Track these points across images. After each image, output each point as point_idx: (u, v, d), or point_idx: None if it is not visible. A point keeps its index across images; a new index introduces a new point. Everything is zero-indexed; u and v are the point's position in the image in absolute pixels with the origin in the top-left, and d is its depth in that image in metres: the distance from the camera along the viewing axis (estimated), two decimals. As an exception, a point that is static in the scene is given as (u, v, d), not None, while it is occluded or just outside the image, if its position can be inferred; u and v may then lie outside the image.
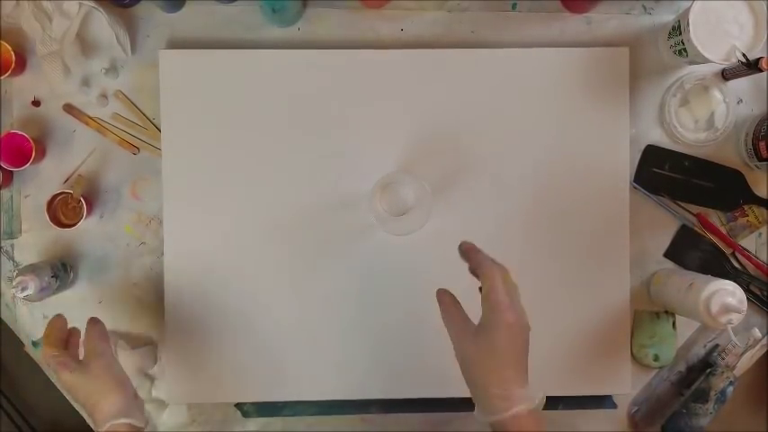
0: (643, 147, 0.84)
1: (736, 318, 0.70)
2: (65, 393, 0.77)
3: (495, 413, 0.58)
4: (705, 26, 0.74)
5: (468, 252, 0.65)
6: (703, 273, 0.81)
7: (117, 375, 0.70)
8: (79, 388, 0.69)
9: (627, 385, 0.84)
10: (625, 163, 0.83)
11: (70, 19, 0.79)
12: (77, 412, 0.85)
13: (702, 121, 0.83)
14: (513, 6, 0.84)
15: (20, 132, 0.79)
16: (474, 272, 0.64)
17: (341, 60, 0.82)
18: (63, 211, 0.81)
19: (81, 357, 0.71)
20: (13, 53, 0.78)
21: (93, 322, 0.74)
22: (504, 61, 0.82)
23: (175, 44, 0.83)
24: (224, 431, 0.84)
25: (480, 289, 0.62)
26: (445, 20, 0.84)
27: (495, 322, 0.59)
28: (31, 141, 0.78)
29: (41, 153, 0.81)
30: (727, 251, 0.84)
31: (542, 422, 0.59)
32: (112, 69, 0.82)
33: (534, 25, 0.84)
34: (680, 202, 0.84)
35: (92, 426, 0.69)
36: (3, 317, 0.84)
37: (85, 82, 0.83)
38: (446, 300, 0.65)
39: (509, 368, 0.59)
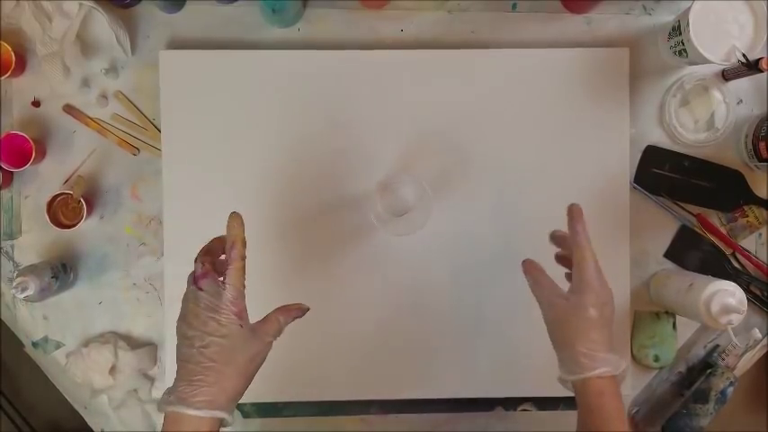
0: (643, 147, 0.84)
1: (736, 318, 0.70)
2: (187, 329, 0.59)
3: (579, 372, 0.61)
4: (705, 26, 0.74)
5: (573, 217, 0.67)
6: (703, 273, 0.81)
7: (257, 368, 0.61)
8: (229, 349, 0.57)
9: (627, 385, 0.83)
10: (625, 163, 0.83)
11: (70, 19, 0.79)
12: (77, 412, 0.85)
13: (702, 121, 0.83)
14: (513, 6, 0.84)
15: (20, 133, 0.79)
16: (555, 240, 0.69)
17: (341, 60, 0.82)
18: (63, 211, 0.81)
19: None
20: (13, 53, 0.78)
21: (302, 309, 0.64)
22: (504, 61, 0.82)
23: (175, 44, 0.83)
24: (224, 431, 0.84)
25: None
26: (445, 20, 0.84)
27: (586, 286, 0.63)
28: (31, 142, 0.78)
29: (41, 154, 0.81)
30: (728, 251, 0.84)
31: (619, 393, 0.61)
32: (112, 70, 0.82)
33: (534, 25, 0.84)
34: (680, 203, 0.84)
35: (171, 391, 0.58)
36: (3, 317, 0.84)
37: (85, 82, 0.83)
38: (534, 269, 0.68)
39: (597, 331, 0.62)
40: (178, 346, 0.59)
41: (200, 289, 0.59)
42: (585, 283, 0.63)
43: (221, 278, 0.60)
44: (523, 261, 0.69)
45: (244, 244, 0.61)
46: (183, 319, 0.59)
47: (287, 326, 0.63)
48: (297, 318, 0.64)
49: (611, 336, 0.63)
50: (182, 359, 0.58)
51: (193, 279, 0.60)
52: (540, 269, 0.68)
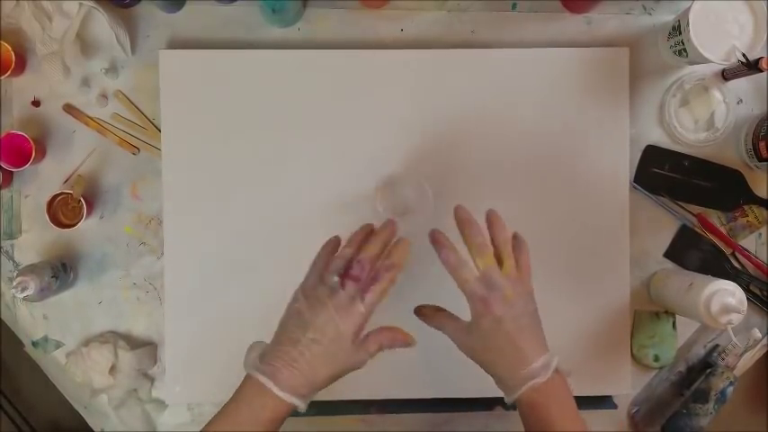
0: (643, 147, 0.84)
1: (736, 318, 0.70)
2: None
3: (509, 394, 0.62)
4: (705, 26, 0.74)
5: (435, 244, 0.65)
6: (703, 273, 0.81)
7: (341, 376, 0.63)
8: (335, 349, 0.59)
9: (627, 385, 0.84)
10: (625, 163, 0.83)
11: (70, 19, 0.79)
12: (77, 412, 0.85)
13: (702, 121, 0.83)
14: (513, 6, 0.84)
15: (20, 132, 0.79)
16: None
17: (341, 60, 0.82)
18: (63, 211, 0.81)
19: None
20: (13, 53, 0.78)
21: (409, 341, 0.65)
22: (505, 61, 0.82)
23: (175, 44, 0.83)
24: (224, 431, 0.84)
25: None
26: (445, 20, 0.84)
27: (478, 316, 0.62)
28: (31, 141, 0.78)
29: (41, 153, 0.81)
30: (728, 251, 0.84)
31: (557, 393, 0.61)
32: (112, 69, 0.82)
33: (534, 25, 0.84)
34: (680, 202, 0.84)
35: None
36: (3, 317, 0.84)
37: (85, 82, 0.83)
38: (424, 312, 0.67)
39: (507, 349, 0.61)
40: (288, 318, 0.61)
41: (343, 287, 0.60)
42: (475, 310, 0.62)
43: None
44: (415, 308, 0.68)
45: (400, 271, 0.62)
46: (307, 298, 0.60)
47: (384, 348, 0.64)
48: (399, 346, 0.64)
49: (531, 342, 0.62)
50: (288, 336, 0.60)
51: (345, 272, 0.60)
52: (431, 311, 0.67)
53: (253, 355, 0.61)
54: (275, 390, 0.58)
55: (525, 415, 0.62)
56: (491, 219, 0.66)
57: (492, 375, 0.64)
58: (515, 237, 0.67)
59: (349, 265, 0.62)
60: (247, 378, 0.60)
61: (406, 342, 0.64)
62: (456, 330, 0.64)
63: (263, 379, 0.58)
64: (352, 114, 0.82)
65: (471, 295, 0.62)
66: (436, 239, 0.65)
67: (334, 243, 0.66)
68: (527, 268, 0.65)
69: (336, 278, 0.60)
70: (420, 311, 0.67)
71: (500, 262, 0.64)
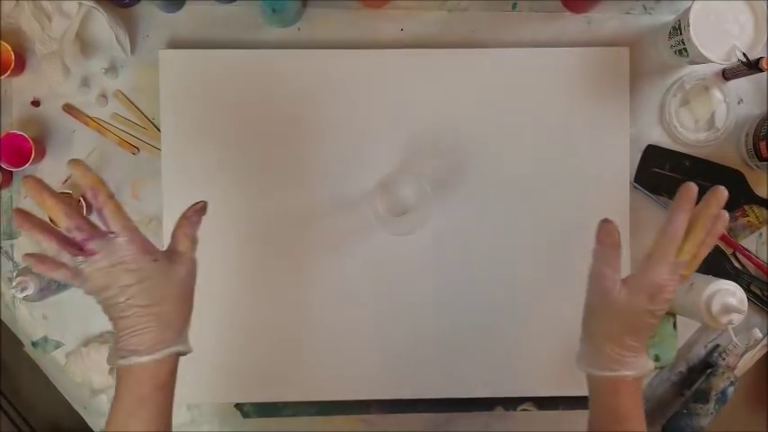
0: (643, 147, 0.84)
1: (736, 318, 0.70)
2: (106, 285, 0.55)
3: (602, 369, 0.59)
4: (705, 26, 0.74)
5: (682, 197, 0.58)
6: (704, 273, 0.80)
7: (193, 287, 0.59)
8: (155, 287, 0.55)
9: (627, 385, 0.83)
10: (625, 163, 0.83)
11: (70, 19, 0.79)
12: (77, 412, 0.85)
13: (703, 121, 0.83)
14: (513, 6, 0.84)
15: (20, 132, 0.79)
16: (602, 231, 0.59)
17: (341, 60, 0.82)
18: (63, 211, 0.81)
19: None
20: (12, 53, 0.78)
21: (201, 206, 0.60)
22: (504, 61, 0.82)
23: (175, 44, 0.83)
24: (224, 431, 0.84)
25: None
26: (445, 20, 0.84)
27: (647, 287, 0.57)
28: (30, 141, 0.78)
29: (41, 153, 0.81)
30: (728, 251, 0.84)
31: (636, 393, 0.59)
32: (112, 69, 0.82)
33: (534, 25, 0.84)
34: (680, 202, 0.84)
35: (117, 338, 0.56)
36: (3, 317, 0.84)
37: (85, 82, 0.82)
38: (611, 239, 0.59)
39: (634, 336, 0.58)
40: (104, 309, 0.57)
41: (94, 253, 0.54)
42: (644, 285, 0.58)
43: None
44: (604, 221, 0.59)
45: (102, 183, 0.55)
46: (93, 289, 0.56)
47: (197, 231, 0.60)
48: (200, 217, 0.60)
49: (645, 337, 0.59)
50: (115, 316, 0.56)
51: (77, 249, 0.54)
52: (617, 244, 0.58)
53: (109, 356, 0.57)
54: (144, 358, 0.54)
55: (604, 398, 0.60)
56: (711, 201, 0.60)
57: (594, 338, 0.60)
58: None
59: (66, 243, 0.55)
60: (118, 375, 0.56)
61: (197, 210, 0.60)
62: (612, 279, 0.58)
63: (129, 360, 0.54)
64: (351, 114, 0.82)
65: (656, 272, 0.57)
66: (684, 195, 0.58)
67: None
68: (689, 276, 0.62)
69: (80, 259, 0.55)
70: (606, 230, 0.59)
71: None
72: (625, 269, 0.82)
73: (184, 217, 0.59)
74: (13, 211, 0.56)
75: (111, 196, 0.56)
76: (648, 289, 0.57)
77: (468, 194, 0.82)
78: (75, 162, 0.55)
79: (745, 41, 0.74)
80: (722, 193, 0.58)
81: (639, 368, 0.59)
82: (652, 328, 0.59)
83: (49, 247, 0.54)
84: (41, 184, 0.54)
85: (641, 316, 0.58)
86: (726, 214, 0.60)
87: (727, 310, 0.70)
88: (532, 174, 0.82)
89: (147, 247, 0.56)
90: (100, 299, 0.56)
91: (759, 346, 0.85)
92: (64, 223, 0.54)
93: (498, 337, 0.83)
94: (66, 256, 0.55)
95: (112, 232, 0.55)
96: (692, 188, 0.58)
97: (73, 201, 0.78)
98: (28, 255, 0.56)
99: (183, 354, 0.58)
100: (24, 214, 0.54)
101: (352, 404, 0.84)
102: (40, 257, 0.55)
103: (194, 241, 0.59)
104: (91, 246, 0.54)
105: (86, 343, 0.82)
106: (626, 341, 0.58)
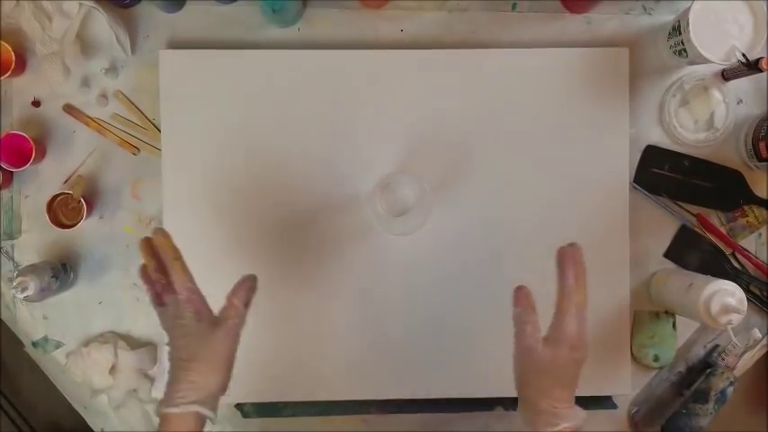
0: (643, 147, 0.84)
1: (736, 318, 0.70)
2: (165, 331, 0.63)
3: (539, 426, 0.61)
4: (705, 26, 0.74)
5: (563, 260, 0.64)
6: (703, 273, 0.81)
7: (234, 352, 0.63)
8: (192, 344, 0.61)
9: (627, 385, 0.84)
10: (625, 163, 0.83)
11: (70, 19, 0.79)
12: (77, 412, 0.85)
13: (702, 121, 0.83)
14: (513, 6, 0.84)
15: (20, 133, 0.79)
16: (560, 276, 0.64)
17: (341, 60, 0.82)
18: (63, 211, 0.81)
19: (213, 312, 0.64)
20: (13, 53, 0.78)
21: (250, 278, 0.65)
22: (504, 61, 0.82)
23: (175, 44, 0.83)
24: (224, 431, 0.84)
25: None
26: (445, 20, 0.84)
27: (563, 340, 0.62)
28: (31, 142, 0.78)
29: (41, 153, 0.81)
30: (727, 251, 0.84)
31: None
32: (112, 69, 0.82)
33: (534, 25, 0.84)
34: (680, 202, 0.84)
35: (157, 393, 0.62)
36: (3, 317, 0.84)
37: (85, 82, 0.83)
38: (526, 302, 0.64)
39: (563, 388, 0.62)
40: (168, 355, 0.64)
41: (164, 304, 0.63)
42: (563, 337, 0.62)
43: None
44: (518, 288, 0.65)
45: (173, 248, 0.63)
46: (167, 337, 0.63)
47: (246, 302, 0.64)
48: (251, 291, 0.65)
49: (574, 390, 0.63)
50: (170, 363, 0.63)
51: (155, 298, 0.63)
52: (531, 305, 0.64)
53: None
54: (170, 410, 0.59)
55: None
56: (576, 255, 0.65)
57: (527, 395, 0.63)
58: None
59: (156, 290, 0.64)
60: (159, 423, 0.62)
61: (249, 282, 0.65)
62: (533, 336, 0.62)
63: (161, 409, 0.61)
64: (351, 114, 0.82)
65: (567, 322, 0.62)
66: (565, 252, 0.65)
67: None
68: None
69: (158, 307, 0.64)
70: (521, 298, 0.64)
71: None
72: (625, 269, 0.83)
73: (236, 285, 0.65)
74: (142, 240, 0.65)
75: (177, 258, 0.63)
76: (567, 340, 0.62)
77: (468, 194, 0.82)
78: (156, 231, 0.64)
79: (745, 42, 0.74)
80: (576, 249, 0.65)
81: (576, 418, 0.61)
82: (576, 378, 0.63)
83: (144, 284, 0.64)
84: (166, 242, 0.64)
85: (567, 367, 0.62)
86: (577, 245, 0.65)
87: (727, 310, 0.70)
88: (532, 173, 0.82)
89: (198, 308, 0.62)
90: (166, 344, 0.63)
91: (758, 347, 0.85)
92: (154, 274, 0.63)
93: (498, 337, 0.82)
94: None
95: (175, 291, 0.63)
96: (571, 251, 0.65)
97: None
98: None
99: (206, 417, 0.61)
100: (149, 246, 0.64)
101: (352, 404, 0.84)
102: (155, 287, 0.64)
103: (239, 312, 0.64)
104: (164, 298, 0.63)
105: (87, 343, 0.82)
106: (558, 394, 0.61)
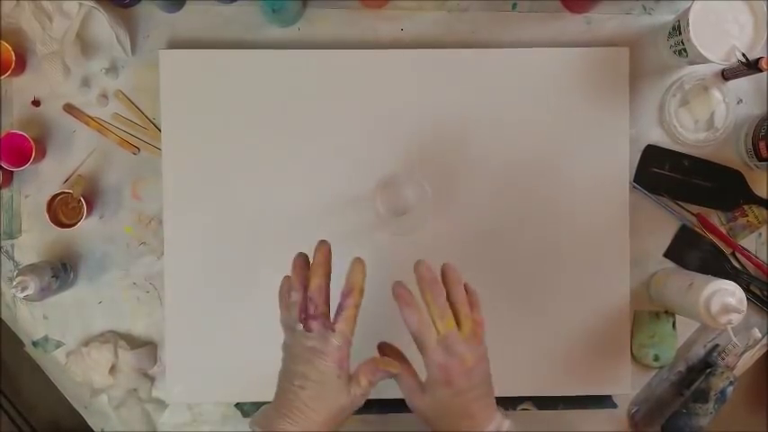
0: (643, 147, 0.84)
1: (735, 318, 0.70)
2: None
3: None
4: (705, 26, 0.74)
5: (398, 299, 0.62)
6: (703, 273, 0.81)
7: (345, 418, 0.61)
8: (321, 392, 0.59)
9: (627, 385, 0.84)
10: (625, 163, 0.83)
11: (70, 19, 0.79)
12: (77, 412, 0.85)
13: (702, 121, 0.83)
14: (513, 6, 0.84)
15: (20, 132, 0.79)
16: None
17: (341, 60, 0.82)
18: (63, 211, 0.81)
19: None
20: (13, 53, 0.78)
21: (393, 371, 0.63)
22: (504, 61, 0.82)
23: (175, 44, 0.83)
24: (224, 431, 0.84)
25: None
26: (445, 20, 0.84)
27: (435, 384, 0.60)
28: (31, 141, 0.78)
29: (41, 153, 0.81)
30: (727, 251, 0.84)
31: None
32: (112, 69, 0.82)
33: (534, 25, 0.84)
34: (680, 202, 0.84)
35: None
36: (3, 317, 0.84)
37: (85, 82, 0.83)
38: (387, 352, 0.65)
39: (462, 422, 0.60)
40: (281, 373, 0.61)
41: (310, 330, 0.60)
42: (433, 378, 0.60)
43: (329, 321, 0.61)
44: (380, 345, 0.65)
45: (361, 292, 0.61)
46: (286, 350, 0.61)
47: (379, 381, 0.62)
48: (385, 376, 0.63)
49: (481, 404, 0.61)
50: (281, 387, 0.60)
51: (303, 317, 0.60)
52: (397, 353, 0.64)
53: (256, 413, 0.61)
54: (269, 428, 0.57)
55: None
56: (447, 275, 0.63)
57: None
58: (467, 290, 0.64)
59: (303, 306, 0.61)
60: None
61: (388, 372, 0.62)
62: (410, 389, 0.62)
63: (258, 429, 0.59)
64: (351, 114, 0.82)
65: (431, 362, 0.60)
66: (399, 295, 0.62)
67: (285, 286, 0.65)
68: (482, 325, 0.63)
69: (300, 325, 0.60)
70: (382, 349, 0.66)
71: (458, 322, 0.62)
72: (625, 269, 0.83)
73: (374, 362, 0.63)
74: (295, 259, 0.64)
75: (358, 305, 0.61)
76: (438, 379, 0.60)
77: (468, 194, 0.82)
78: (358, 261, 0.63)
79: (745, 41, 0.74)
80: (420, 266, 0.62)
81: (500, 424, 0.60)
82: (480, 398, 0.61)
83: (294, 295, 0.62)
84: (327, 259, 0.62)
85: (456, 405, 0.60)
86: (423, 261, 0.63)
87: (727, 309, 0.70)
88: (532, 173, 0.82)
89: (343, 363, 0.60)
90: (284, 363, 0.61)
91: (758, 346, 0.85)
92: (315, 294, 0.61)
93: (498, 337, 0.83)
94: (292, 313, 0.62)
95: (333, 329, 0.60)
96: (403, 289, 0.62)
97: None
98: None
99: None
100: (302, 265, 0.63)
101: (352, 404, 0.84)
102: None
103: (371, 387, 0.61)
104: (312, 324, 0.60)
105: (87, 343, 0.82)
106: (467, 423, 0.60)
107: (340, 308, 0.61)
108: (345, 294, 0.61)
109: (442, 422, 0.61)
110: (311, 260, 0.64)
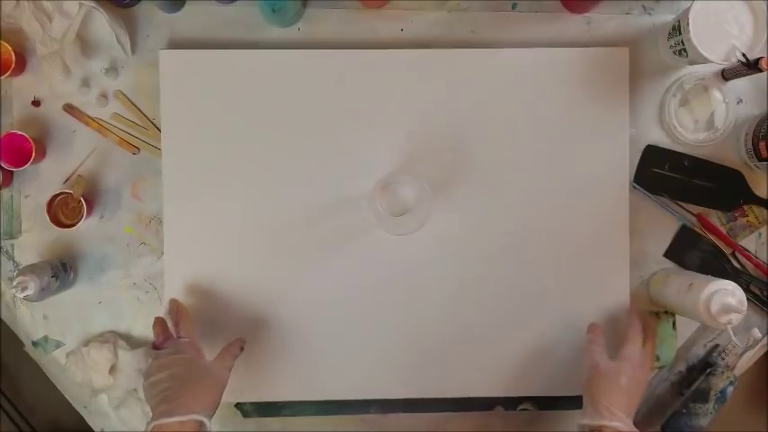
0: (643, 147, 0.84)
1: (735, 318, 0.70)
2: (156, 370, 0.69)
3: (598, 419, 0.70)
4: (705, 26, 0.74)
5: (634, 316, 0.80)
6: (703, 273, 0.81)
7: (223, 388, 0.72)
8: (192, 368, 0.70)
9: (627, 385, 0.84)
10: (625, 163, 0.83)
11: (70, 19, 0.79)
12: (77, 412, 0.85)
13: (702, 121, 0.83)
14: (513, 6, 0.84)
15: (20, 132, 0.79)
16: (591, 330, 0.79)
17: (341, 60, 0.82)
18: (63, 211, 0.81)
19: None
20: (13, 53, 0.78)
21: (241, 345, 0.78)
22: (504, 61, 0.82)
23: (175, 44, 0.83)
24: (224, 431, 0.84)
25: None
26: (445, 20, 0.84)
27: (626, 359, 0.74)
28: (31, 141, 0.78)
29: (41, 153, 0.82)
30: (727, 251, 0.84)
31: None
32: (112, 69, 0.82)
33: (534, 25, 0.84)
34: (680, 202, 0.84)
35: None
36: (3, 317, 0.84)
37: (85, 82, 0.83)
38: (598, 332, 0.78)
39: (621, 395, 0.71)
40: (147, 393, 0.69)
41: (163, 347, 0.72)
42: (627, 357, 0.74)
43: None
44: (592, 324, 0.80)
45: (185, 311, 0.78)
46: (148, 377, 0.69)
47: (237, 356, 0.76)
48: (239, 351, 0.77)
49: (632, 405, 0.72)
50: (155, 394, 0.68)
51: (153, 347, 0.74)
52: (602, 332, 0.78)
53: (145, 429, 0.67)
54: (171, 419, 0.64)
55: None
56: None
57: (591, 398, 0.72)
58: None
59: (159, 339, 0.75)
60: None
61: (240, 346, 0.77)
62: (600, 355, 0.76)
63: (157, 421, 0.64)
64: (351, 114, 0.82)
65: (632, 348, 0.76)
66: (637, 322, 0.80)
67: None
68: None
69: (154, 351, 0.73)
70: (594, 327, 0.79)
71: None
72: (625, 269, 0.83)
73: (232, 344, 0.77)
74: (171, 301, 0.81)
75: (186, 317, 0.78)
76: (629, 360, 0.74)
77: (468, 194, 0.82)
78: (173, 300, 0.80)
79: (745, 41, 0.74)
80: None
81: (627, 424, 0.70)
82: (637, 395, 0.73)
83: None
84: (179, 309, 0.79)
85: (627, 377, 0.72)
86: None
87: (727, 309, 0.70)
88: (532, 173, 0.82)
89: (200, 351, 0.73)
90: (146, 387, 0.69)
91: (758, 346, 0.85)
92: (157, 336, 0.75)
93: (498, 337, 0.83)
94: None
95: (181, 336, 0.74)
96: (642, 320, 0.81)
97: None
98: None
99: (205, 427, 0.66)
100: (175, 308, 0.79)
101: (352, 404, 0.84)
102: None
103: (233, 360, 0.75)
104: (166, 344, 0.73)
105: (87, 343, 0.82)
106: (617, 397, 0.71)
107: (176, 324, 0.76)
108: (174, 313, 0.78)
109: (604, 384, 0.73)
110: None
